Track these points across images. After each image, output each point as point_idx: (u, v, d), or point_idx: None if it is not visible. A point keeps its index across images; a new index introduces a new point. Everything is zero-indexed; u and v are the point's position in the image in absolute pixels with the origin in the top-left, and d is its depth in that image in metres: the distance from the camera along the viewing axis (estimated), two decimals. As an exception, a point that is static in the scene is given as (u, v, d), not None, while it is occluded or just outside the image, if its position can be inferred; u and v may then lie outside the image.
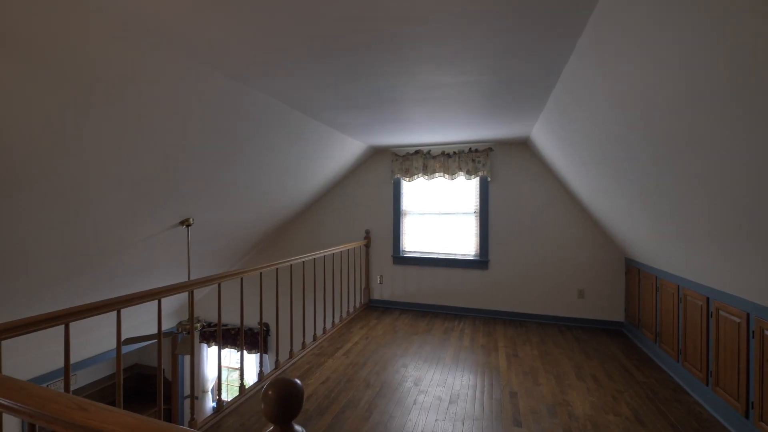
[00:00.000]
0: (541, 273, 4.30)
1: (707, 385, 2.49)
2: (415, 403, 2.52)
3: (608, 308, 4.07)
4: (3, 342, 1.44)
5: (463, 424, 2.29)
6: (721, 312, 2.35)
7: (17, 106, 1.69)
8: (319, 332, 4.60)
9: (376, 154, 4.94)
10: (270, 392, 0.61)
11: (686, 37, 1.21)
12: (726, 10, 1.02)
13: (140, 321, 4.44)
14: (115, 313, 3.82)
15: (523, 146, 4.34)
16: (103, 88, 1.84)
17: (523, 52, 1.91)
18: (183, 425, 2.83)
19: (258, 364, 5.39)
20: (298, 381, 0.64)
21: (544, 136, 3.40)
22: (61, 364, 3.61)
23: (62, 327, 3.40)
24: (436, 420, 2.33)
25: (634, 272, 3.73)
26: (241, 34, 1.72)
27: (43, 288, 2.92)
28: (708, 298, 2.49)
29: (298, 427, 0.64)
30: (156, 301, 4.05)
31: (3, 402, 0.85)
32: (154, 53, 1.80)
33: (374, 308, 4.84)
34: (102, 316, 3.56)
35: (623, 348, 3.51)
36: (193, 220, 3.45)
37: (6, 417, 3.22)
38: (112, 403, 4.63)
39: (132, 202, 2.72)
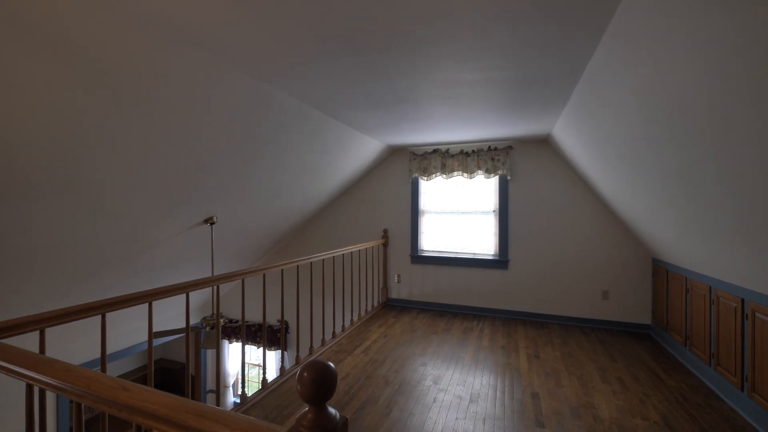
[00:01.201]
0: (563, 273, 4.21)
1: (742, 390, 2.38)
2: (434, 402, 2.52)
3: (634, 310, 3.95)
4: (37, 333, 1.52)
5: (484, 424, 2.27)
6: (757, 314, 2.25)
7: (53, 108, 1.78)
8: (338, 330, 4.64)
9: (394, 153, 4.95)
10: (305, 374, 0.63)
11: (718, 31, 1.17)
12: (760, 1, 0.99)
13: (165, 317, 4.59)
14: (141, 307, 3.93)
15: (544, 144, 4.26)
16: (128, 88, 1.92)
17: (546, 47, 1.88)
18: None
19: (279, 360, 5.48)
20: (332, 364, 0.65)
21: (567, 133, 3.33)
22: (88, 357, 3.76)
23: (87, 321, 3.52)
24: (456, 418, 2.32)
25: (661, 273, 3.60)
26: (262, 35, 1.75)
27: (65, 286, 3.00)
28: (743, 300, 2.38)
29: (331, 410, 0.66)
30: (181, 296, 4.15)
31: (52, 382, 0.90)
32: (175, 52, 1.85)
33: (392, 307, 4.85)
34: (126, 311, 3.69)
35: (650, 351, 3.40)
36: (216, 218, 3.55)
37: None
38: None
39: (157, 201, 2.81)
